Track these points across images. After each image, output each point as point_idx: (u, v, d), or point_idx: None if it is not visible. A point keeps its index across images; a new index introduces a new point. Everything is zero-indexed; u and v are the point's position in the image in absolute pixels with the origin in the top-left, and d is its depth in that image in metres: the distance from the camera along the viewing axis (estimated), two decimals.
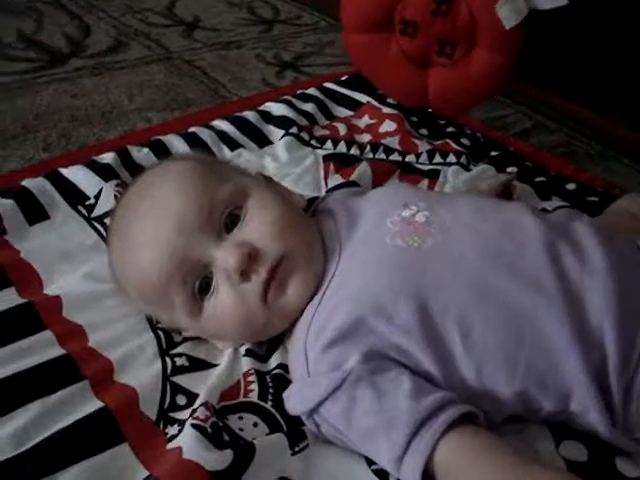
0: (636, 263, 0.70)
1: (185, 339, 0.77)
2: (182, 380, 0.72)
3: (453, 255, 0.69)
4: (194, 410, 0.66)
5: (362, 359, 0.63)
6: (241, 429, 0.66)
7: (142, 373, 0.72)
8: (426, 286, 0.67)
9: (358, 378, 0.62)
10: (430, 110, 1.25)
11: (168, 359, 0.74)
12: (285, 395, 0.69)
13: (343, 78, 1.38)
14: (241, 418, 0.68)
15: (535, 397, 0.64)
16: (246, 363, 0.73)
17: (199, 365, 0.74)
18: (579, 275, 0.66)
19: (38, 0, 1.86)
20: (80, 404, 0.68)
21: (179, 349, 0.76)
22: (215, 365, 0.75)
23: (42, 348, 0.74)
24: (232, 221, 0.72)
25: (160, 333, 0.77)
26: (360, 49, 0.93)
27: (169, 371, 0.73)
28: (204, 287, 0.70)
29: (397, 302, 0.66)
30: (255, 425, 0.67)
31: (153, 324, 0.79)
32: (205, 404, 0.67)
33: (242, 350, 0.75)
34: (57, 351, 0.74)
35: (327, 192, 1.00)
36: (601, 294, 0.65)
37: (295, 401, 0.67)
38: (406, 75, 0.90)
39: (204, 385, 0.71)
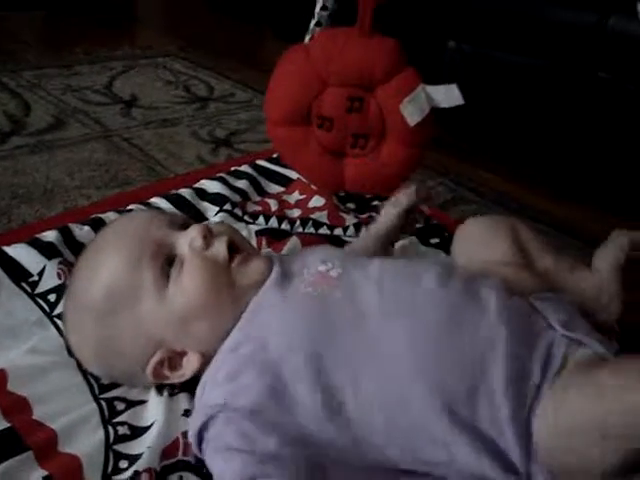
0: (528, 321, 0.77)
1: (127, 406, 0.82)
2: (124, 447, 0.76)
3: (355, 311, 0.76)
4: (137, 472, 0.71)
5: (245, 408, 0.70)
6: None
7: (86, 442, 0.76)
8: (325, 333, 0.74)
9: (230, 417, 0.70)
10: None
11: (110, 427, 0.78)
12: None
13: (274, 155, 1.43)
14: (181, 477, 0.73)
15: (422, 450, 0.70)
16: (184, 422, 0.78)
17: (140, 432, 0.78)
18: (475, 342, 0.73)
19: None
20: (25, 474, 0.71)
21: (121, 418, 0.80)
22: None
23: None
24: (185, 225, 0.85)
25: (102, 403, 0.81)
26: (282, 141, 1.02)
27: (112, 439, 0.77)
28: (170, 262, 0.79)
29: (292, 347, 0.73)
30: None
31: (95, 394, 0.82)
32: (148, 470, 0.71)
33: (180, 409, 0.80)
34: (1, 424, 0.77)
35: None
36: (494, 357, 0.71)
37: (190, 436, 0.74)
38: (324, 165, 1.00)
39: (145, 446, 0.75)
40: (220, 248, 0.80)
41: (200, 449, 0.73)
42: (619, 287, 0.91)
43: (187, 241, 0.80)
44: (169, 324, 0.79)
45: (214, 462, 0.71)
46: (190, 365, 0.80)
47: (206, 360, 0.79)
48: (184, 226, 0.84)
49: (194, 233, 0.80)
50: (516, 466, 0.68)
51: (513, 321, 0.75)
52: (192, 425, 0.74)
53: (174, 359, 0.80)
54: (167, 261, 0.79)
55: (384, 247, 1.05)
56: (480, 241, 0.95)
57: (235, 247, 0.82)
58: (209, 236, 0.81)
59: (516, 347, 0.72)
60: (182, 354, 0.80)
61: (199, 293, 0.78)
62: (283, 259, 0.87)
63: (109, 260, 0.80)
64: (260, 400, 0.70)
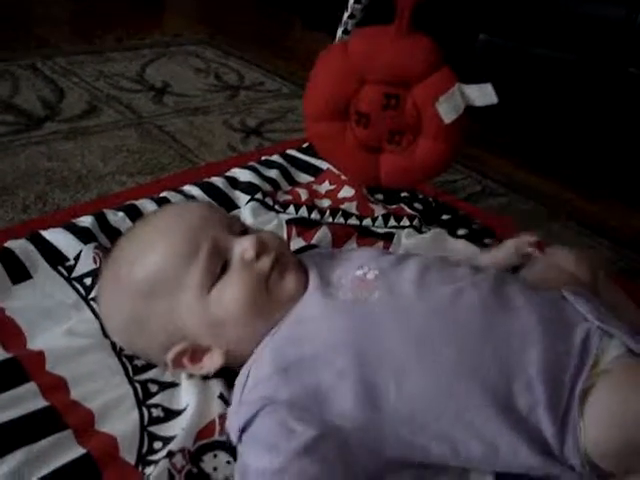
0: (561, 313, 0.80)
1: (160, 388, 0.84)
2: (158, 429, 0.79)
3: (396, 308, 0.78)
4: (172, 453, 0.73)
5: (288, 401, 0.72)
6: (215, 468, 0.74)
7: (121, 423, 0.78)
8: (367, 333, 0.76)
9: (274, 409, 0.72)
10: None
11: (145, 409, 0.81)
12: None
13: (304, 145, 1.45)
14: (215, 456, 0.75)
15: (464, 443, 0.72)
16: (220, 405, 0.80)
17: (174, 415, 0.81)
18: (511, 335, 0.75)
19: (14, 64, 1.92)
20: (64, 451, 0.74)
21: (155, 400, 0.82)
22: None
23: (27, 400, 0.79)
24: (243, 232, 0.86)
25: (137, 385, 0.84)
26: (321, 137, 1.04)
27: (146, 421, 0.79)
28: (220, 267, 0.81)
29: (337, 350, 0.75)
30: (228, 463, 0.75)
31: (130, 377, 0.85)
32: (182, 451, 0.74)
33: (216, 392, 0.82)
34: (41, 403, 0.79)
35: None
36: (530, 349, 0.74)
37: (229, 426, 0.76)
38: (360, 160, 1.01)
39: (179, 428, 0.78)
40: (266, 263, 0.81)
41: (240, 440, 0.74)
42: None
43: (240, 250, 0.82)
44: (202, 323, 0.81)
45: (245, 453, 0.72)
46: (212, 362, 0.82)
47: (229, 359, 0.81)
48: (242, 232, 0.86)
49: (248, 244, 0.82)
50: (552, 449, 0.71)
51: (544, 313, 0.78)
52: (235, 418, 0.75)
53: (197, 352, 0.82)
54: (218, 265, 0.81)
55: None
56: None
57: (278, 261, 0.83)
58: (261, 250, 0.82)
59: (550, 338, 0.75)
60: (206, 350, 0.82)
61: (239, 305, 0.79)
62: (319, 264, 0.88)
63: (162, 244, 0.82)
64: (304, 396, 0.73)
